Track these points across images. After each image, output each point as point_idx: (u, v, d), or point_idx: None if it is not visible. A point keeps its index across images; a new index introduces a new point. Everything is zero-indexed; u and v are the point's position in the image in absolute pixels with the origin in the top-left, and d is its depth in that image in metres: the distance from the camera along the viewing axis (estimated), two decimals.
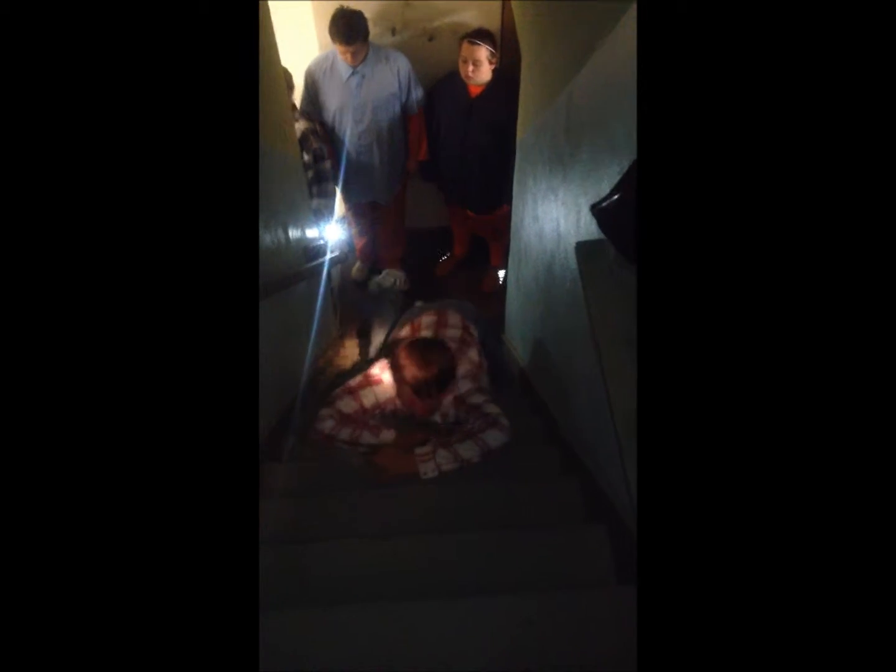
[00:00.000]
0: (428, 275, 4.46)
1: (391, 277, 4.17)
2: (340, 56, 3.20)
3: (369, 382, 2.07)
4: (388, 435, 1.98)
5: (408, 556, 1.45)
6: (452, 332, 2.28)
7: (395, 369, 1.95)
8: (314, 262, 2.81)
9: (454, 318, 2.39)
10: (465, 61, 3.20)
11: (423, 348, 1.94)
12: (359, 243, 4.19)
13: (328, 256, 3.01)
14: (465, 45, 3.18)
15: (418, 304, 2.75)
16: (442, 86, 3.47)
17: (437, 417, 2.09)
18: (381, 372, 2.07)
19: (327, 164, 3.28)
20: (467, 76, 3.26)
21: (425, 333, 2.26)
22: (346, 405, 2.04)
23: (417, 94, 3.43)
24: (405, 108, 3.46)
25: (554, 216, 2.03)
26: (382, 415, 2.12)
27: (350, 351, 3.80)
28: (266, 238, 2.16)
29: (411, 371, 1.88)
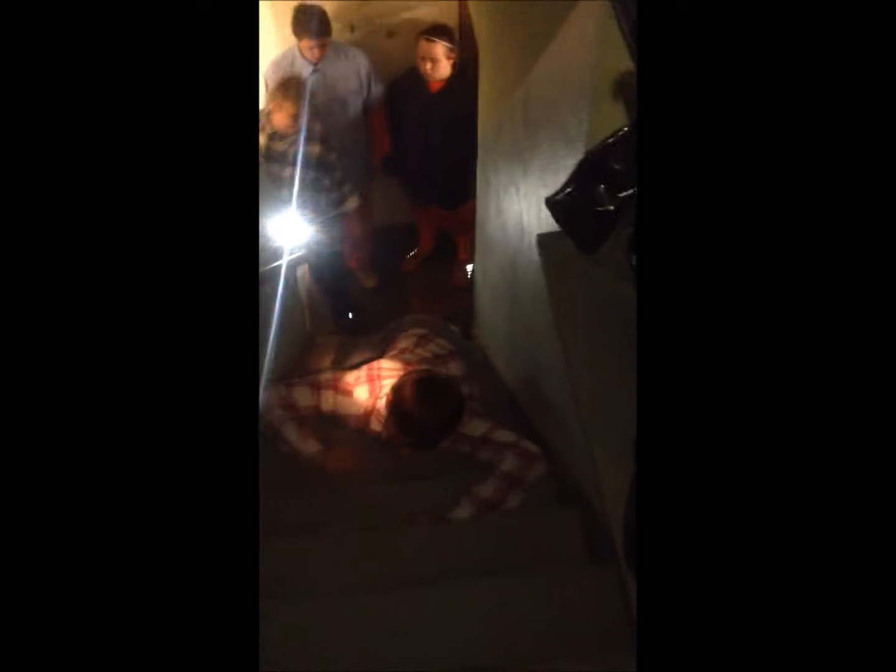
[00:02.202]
0: (396, 271, 4.46)
1: None
2: (302, 53, 3.18)
3: (336, 387, 1.79)
4: (313, 445, 1.74)
5: (384, 546, 1.47)
6: (454, 367, 1.99)
7: (395, 403, 1.63)
8: (276, 263, 2.79)
9: (454, 348, 2.11)
10: (423, 58, 3.20)
11: (435, 390, 1.65)
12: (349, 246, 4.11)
13: (289, 257, 2.99)
14: (422, 42, 3.18)
15: (407, 318, 2.35)
16: (402, 83, 3.47)
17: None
18: (356, 384, 1.78)
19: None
20: (426, 73, 3.26)
21: (428, 366, 1.89)
22: (303, 397, 1.77)
23: (377, 90, 3.42)
24: (366, 106, 3.45)
25: (516, 210, 2.06)
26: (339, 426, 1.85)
27: (323, 353, 3.77)
28: None
29: (416, 413, 1.58)
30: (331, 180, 3.17)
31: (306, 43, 3.12)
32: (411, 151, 3.62)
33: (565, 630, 1.18)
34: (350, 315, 4.04)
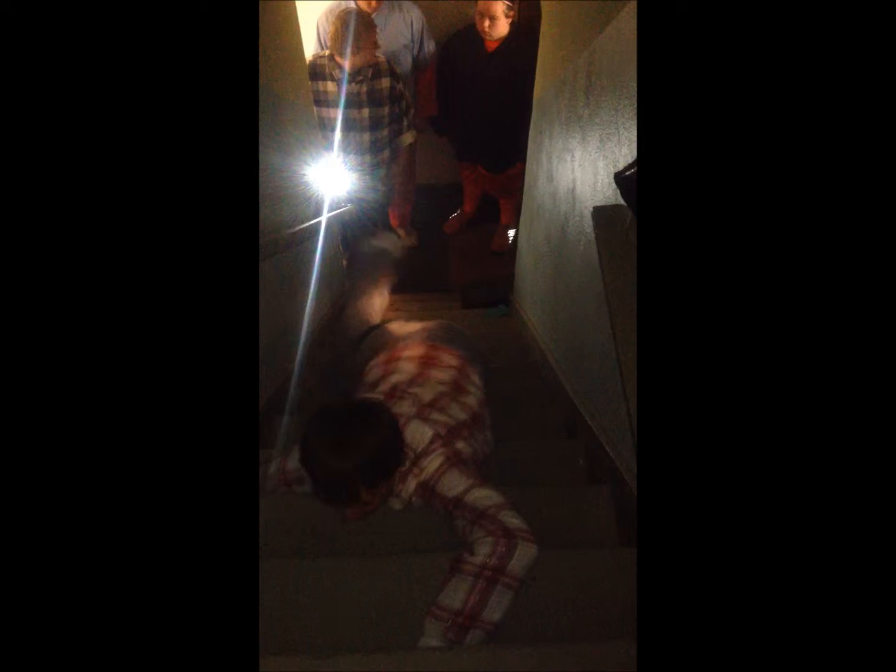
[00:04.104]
0: (436, 232, 4.44)
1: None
2: (358, 3, 3.13)
3: (285, 480, 1.47)
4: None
5: (409, 511, 1.47)
6: (442, 374, 1.63)
7: (306, 453, 1.27)
8: (321, 217, 2.80)
9: (447, 356, 1.72)
10: (482, 16, 3.14)
11: (341, 423, 1.27)
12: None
13: (332, 211, 2.99)
14: None
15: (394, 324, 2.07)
16: (457, 40, 3.41)
17: (395, 504, 1.39)
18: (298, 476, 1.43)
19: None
20: (483, 31, 3.20)
21: (398, 378, 1.59)
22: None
23: (429, 47, 3.36)
24: (416, 62, 3.40)
25: (569, 178, 2.02)
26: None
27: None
28: (277, 189, 2.15)
29: (322, 461, 1.22)
30: (399, 108, 3.20)
31: None
32: (462, 110, 3.57)
33: (579, 611, 1.18)
34: None
